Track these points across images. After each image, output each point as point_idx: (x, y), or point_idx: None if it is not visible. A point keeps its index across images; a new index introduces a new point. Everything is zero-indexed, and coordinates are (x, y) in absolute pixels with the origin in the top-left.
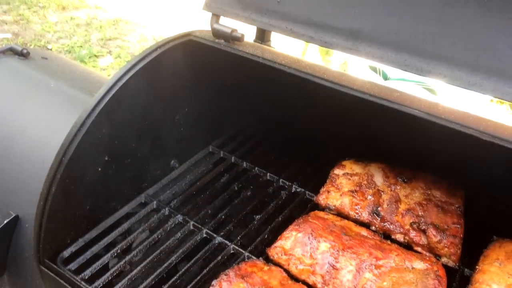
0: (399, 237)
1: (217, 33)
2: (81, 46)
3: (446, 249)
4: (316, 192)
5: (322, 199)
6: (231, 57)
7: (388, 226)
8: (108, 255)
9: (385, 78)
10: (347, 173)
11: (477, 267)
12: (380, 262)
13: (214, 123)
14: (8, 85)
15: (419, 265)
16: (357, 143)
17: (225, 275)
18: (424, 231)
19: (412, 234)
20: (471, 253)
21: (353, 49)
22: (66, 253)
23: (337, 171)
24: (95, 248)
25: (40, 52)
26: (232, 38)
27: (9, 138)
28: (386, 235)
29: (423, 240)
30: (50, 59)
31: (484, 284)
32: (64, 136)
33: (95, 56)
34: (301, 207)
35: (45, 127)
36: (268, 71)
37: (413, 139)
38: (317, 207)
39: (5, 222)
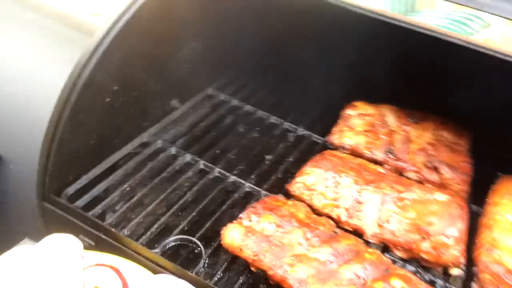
0: (412, 175)
1: None
2: None
3: (456, 185)
4: (321, 135)
5: (335, 138)
6: None
7: (402, 164)
8: (117, 192)
9: None
10: (361, 113)
11: (487, 200)
12: (403, 195)
13: (215, 64)
14: None
15: (441, 196)
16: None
17: (253, 207)
18: (436, 169)
19: (425, 171)
20: (476, 191)
21: None
22: (71, 190)
23: (349, 111)
24: (101, 186)
25: None
26: None
27: None
28: (399, 174)
29: (435, 177)
30: None
31: (497, 214)
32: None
33: None
34: (309, 149)
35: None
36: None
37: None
38: (325, 148)
39: None
